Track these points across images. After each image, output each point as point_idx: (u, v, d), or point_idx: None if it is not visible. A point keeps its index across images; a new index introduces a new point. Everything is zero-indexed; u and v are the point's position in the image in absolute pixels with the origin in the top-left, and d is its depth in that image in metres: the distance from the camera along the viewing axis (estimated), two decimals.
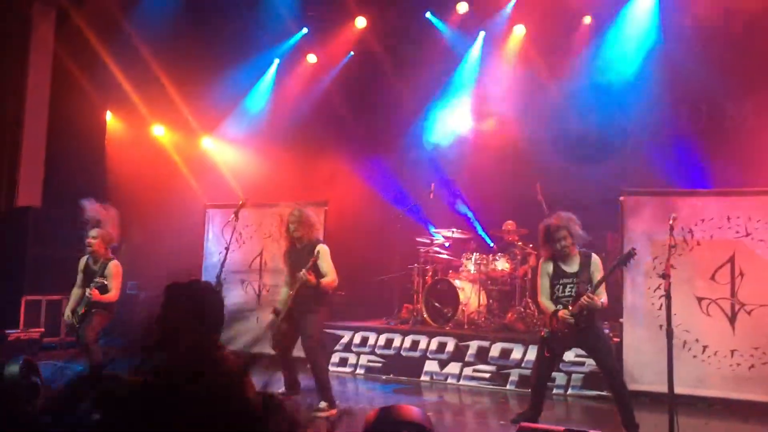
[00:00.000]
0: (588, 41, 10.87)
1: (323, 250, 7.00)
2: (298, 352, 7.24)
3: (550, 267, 6.17)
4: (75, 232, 7.94)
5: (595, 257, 6.15)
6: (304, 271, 6.78)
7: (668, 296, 5.61)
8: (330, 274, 6.96)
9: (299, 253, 7.10)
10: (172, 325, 2.88)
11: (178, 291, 2.97)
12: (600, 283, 5.98)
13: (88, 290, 7.31)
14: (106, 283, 7.36)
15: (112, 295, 7.38)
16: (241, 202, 7.55)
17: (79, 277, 7.58)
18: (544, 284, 6.19)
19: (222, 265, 7.00)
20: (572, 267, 6.09)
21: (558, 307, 6.03)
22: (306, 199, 11.08)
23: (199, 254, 11.11)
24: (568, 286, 6.05)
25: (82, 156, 11.67)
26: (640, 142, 10.27)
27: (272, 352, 7.29)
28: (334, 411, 6.99)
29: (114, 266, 7.45)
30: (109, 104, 12.46)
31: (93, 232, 7.46)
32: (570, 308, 5.93)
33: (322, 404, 7.02)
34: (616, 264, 6.16)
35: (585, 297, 5.82)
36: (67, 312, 7.52)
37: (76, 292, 7.55)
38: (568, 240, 6.03)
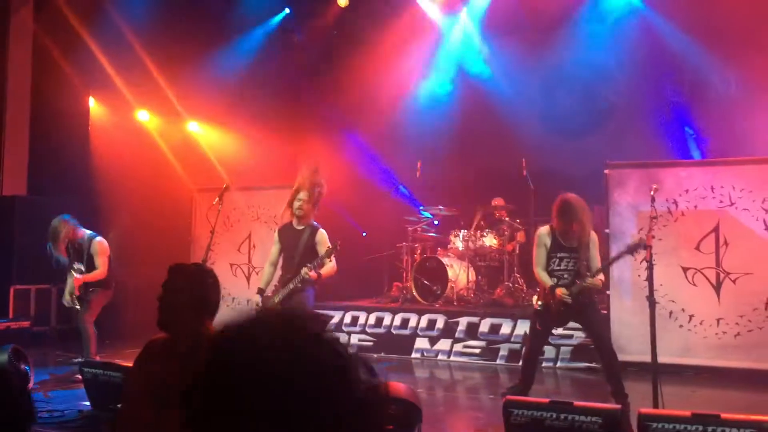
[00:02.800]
0: (572, 15, 10.82)
1: (324, 237, 6.53)
2: None
3: (548, 239, 6.10)
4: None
5: (593, 234, 6.10)
6: (307, 268, 6.30)
7: (650, 266, 5.65)
8: (332, 261, 6.52)
9: (297, 235, 6.59)
10: (170, 306, 2.90)
11: (178, 272, 3.00)
12: (603, 269, 6.02)
13: (70, 279, 7.32)
14: (83, 269, 7.35)
15: (100, 272, 7.34)
16: (224, 186, 7.53)
17: (69, 260, 7.57)
18: (540, 254, 6.12)
19: (207, 250, 6.97)
20: (571, 242, 6.04)
21: (554, 281, 6.01)
22: (293, 181, 11.09)
23: (187, 239, 11.11)
24: (565, 260, 6.03)
25: (66, 143, 11.57)
26: (625, 115, 10.28)
27: None
28: None
29: (98, 243, 7.43)
30: (92, 89, 12.33)
31: (58, 225, 7.39)
32: (569, 288, 5.91)
33: None
34: (623, 252, 6.03)
35: (589, 280, 5.85)
36: (66, 296, 7.53)
37: (69, 277, 7.52)
38: (576, 229, 5.95)
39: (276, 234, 6.87)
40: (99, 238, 7.51)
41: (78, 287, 7.33)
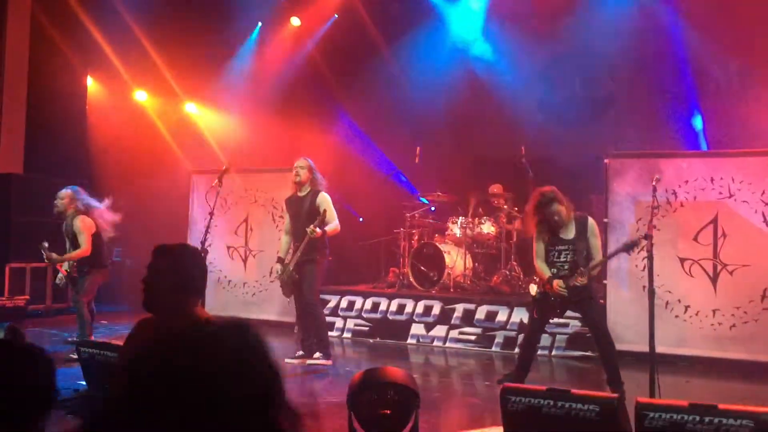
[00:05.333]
0: (574, 2, 10.76)
1: (325, 198, 7.25)
2: None
3: (547, 233, 6.10)
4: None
5: (591, 222, 6.08)
6: (312, 227, 6.98)
7: (650, 257, 5.65)
8: (334, 221, 7.24)
9: (300, 202, 7.33)
10: (154, 286, 2.88)
11: (162, 252, 2.97)
12: (597, 266, 6.04)
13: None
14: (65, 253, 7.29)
15: (81, 250, 7.21)
16: (224, 168, 7.48)
17: (67, 242, 7.53)
18: (539, 248, 6.12)
19: (206, 232, 6.93)
20: (568, 234, 6.02)
21: (553, 271, 6.00)
22: (291, 164, 11.04)
23: (185, 221, 11.07)
24: (564, 252, 6.00)
25: (63, 121, 11.51)
26: (625, 105, 10.26)
27: (266, 317, 7.43)
28: (329, 361, 7.27)
29: (79, 220, 7.32)
30: (90, 69, 12.25)
31: (60, 194, 7.43)
32: (566, 280, 5.90)
33: (317, 354, 7.21)
34: (620, 249, 6.03)
35: (579, 278, 5.85)
36: (59, 276, 7.48)
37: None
38: (562, 213, 5.93)
39: (284, 204, 7.68)
40: (81, 216, 7.37)
41: (66, 269, 7.27)
